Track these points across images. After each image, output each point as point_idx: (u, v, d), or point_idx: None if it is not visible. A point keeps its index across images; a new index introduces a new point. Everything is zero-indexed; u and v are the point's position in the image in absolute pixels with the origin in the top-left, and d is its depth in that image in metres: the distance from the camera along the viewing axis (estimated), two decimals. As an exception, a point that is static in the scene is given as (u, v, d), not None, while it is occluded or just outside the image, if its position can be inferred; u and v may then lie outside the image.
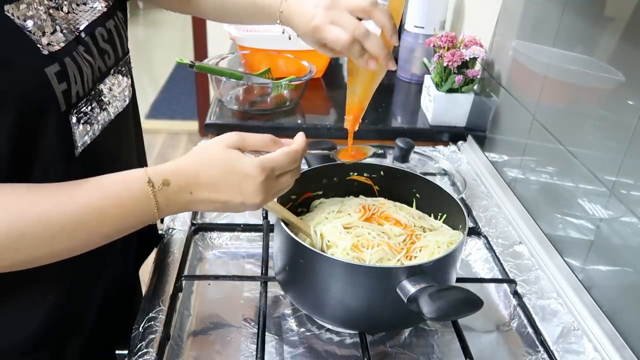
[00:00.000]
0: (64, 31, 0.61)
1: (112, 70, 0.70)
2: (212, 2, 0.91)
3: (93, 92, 0.65)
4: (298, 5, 0.77)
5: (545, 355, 0.76)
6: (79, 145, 0.63)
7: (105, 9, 0.70)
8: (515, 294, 0.86)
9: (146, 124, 3.74)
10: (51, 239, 0.56)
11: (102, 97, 0.68)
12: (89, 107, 0.65)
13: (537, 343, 0.79)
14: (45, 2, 0.60)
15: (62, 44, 0.60)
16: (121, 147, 0.76)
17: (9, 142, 0.56)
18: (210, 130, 1.34)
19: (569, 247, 0.89)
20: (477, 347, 0.78)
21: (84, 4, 0.67)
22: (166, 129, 3.76)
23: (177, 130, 3.75)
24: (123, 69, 0.74)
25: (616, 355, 0.74)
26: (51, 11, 0.61)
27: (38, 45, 0.57)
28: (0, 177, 0.56)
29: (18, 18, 0.56)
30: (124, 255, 0.82)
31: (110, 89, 0.70)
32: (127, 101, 0.75)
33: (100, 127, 0.67)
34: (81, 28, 0.65)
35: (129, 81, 0.76)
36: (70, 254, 0.59)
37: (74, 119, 0.62)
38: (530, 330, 0.80)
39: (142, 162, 0.87)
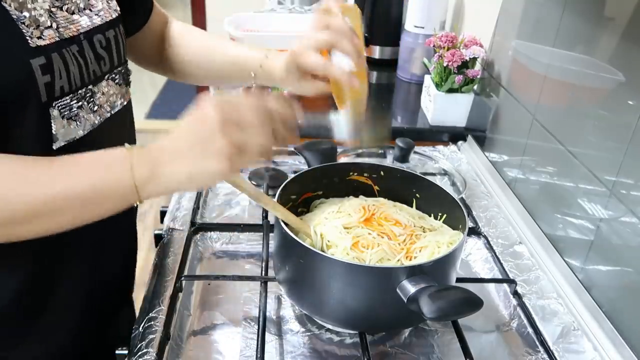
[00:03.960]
0: (60, 29, 0.63)
1: (106, 76, 0.72)
2: (188, 64, 0.95)
3: (82, 92, 0.67)
4: (279, 59, 0.82)
5: (545, 355, 0.76)
6: (59, 139, 0.64)
7: (107, 20, 0.72)
8: (515, 294, 0.86)
9: (146, 124, 3.74)
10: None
11: (94, 99, 0.69)
12: (76, 105, 0.66)
13: (537, 343, 0.79)
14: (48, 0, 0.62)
15: (53, 40, 0.61)
16: None
17: None
18: (210, 130, 1.33)
19: (569, 247, 0.89)
20: (477, 347, 0.78)
21: (90, 9, 0.70)
22: (166, 129, 3.72)
23: (177, 130, 3.75)
24: (117, 77, 0.75)
25: (616, 355, 0.74)
26: (53, 9, 0.63)
27: (27, 38, 0.58)
28: None
29: (15, 9, 0.58)
30: (94, 253, 0.79)
31: (103, 93, 0.72)
32: (120, 108, 0.77)
33: (89, 127, 0.69)
34: (81, 31, 0.67)
35: (123, 90, 0.78)
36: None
37: (55, 112, 0.63)
38: (530, 330, 0.80)
39: None
